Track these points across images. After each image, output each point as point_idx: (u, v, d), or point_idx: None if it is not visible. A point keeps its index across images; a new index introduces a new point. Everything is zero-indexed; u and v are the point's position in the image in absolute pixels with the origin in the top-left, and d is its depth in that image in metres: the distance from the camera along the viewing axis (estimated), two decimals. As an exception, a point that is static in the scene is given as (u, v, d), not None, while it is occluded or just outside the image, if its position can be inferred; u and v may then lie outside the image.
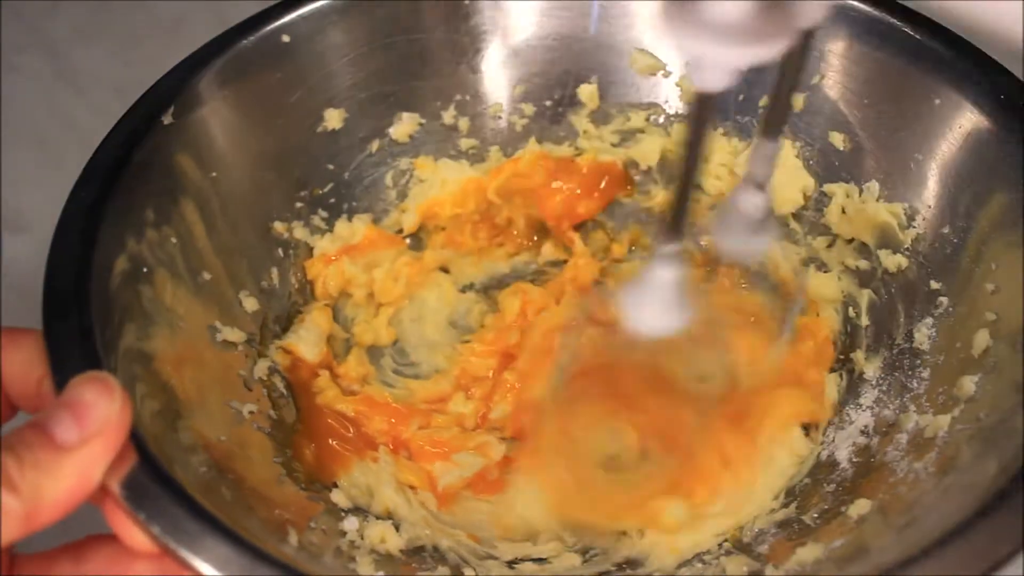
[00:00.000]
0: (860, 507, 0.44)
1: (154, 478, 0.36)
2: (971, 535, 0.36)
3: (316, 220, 0.59)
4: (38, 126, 0.73)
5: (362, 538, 0.47)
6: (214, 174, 0.52)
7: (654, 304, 0.36)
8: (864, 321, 0.54)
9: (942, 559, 0.35)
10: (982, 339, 0.45)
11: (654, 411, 0.51)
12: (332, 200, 0.60)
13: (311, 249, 0.59)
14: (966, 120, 0.49)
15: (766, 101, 0.43)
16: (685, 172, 0.31)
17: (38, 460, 0.34)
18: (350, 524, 0.47)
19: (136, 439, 0.37)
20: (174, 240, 0.49)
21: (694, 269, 0.60)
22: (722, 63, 0.28)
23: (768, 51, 0.28)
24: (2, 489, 0.33)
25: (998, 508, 0.36)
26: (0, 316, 0.55)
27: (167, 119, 0.49)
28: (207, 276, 0.51)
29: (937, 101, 0.50)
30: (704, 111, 0.30)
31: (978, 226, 0.48)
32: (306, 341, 0.55)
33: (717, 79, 0.29)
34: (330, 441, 0.52)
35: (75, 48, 0.78)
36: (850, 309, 0.55)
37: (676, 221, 0.33)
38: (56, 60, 0.76)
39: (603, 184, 0.63)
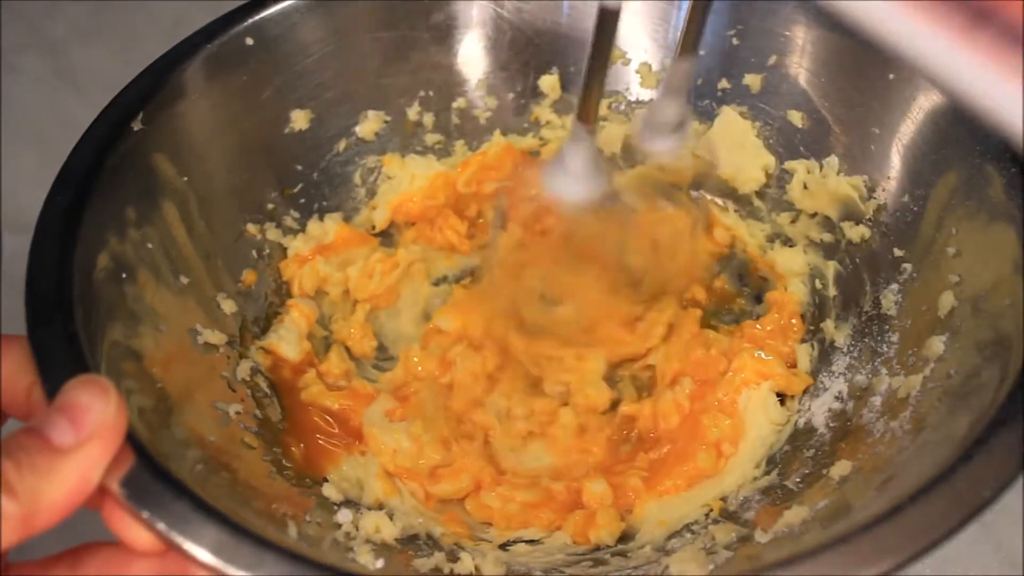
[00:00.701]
0: (841, 468, 0.45)
1: (154, 475, 0.36)
2: (951, 483, 0.37)
3: (288, 221, 0.59)
4: (38, 126, 0.73)
5: (357, 529, 0.47)
6: (185, 178, 0.52)
7: (570, 174, 0.43)
8: (831, 292, 0.56)
9: (925, 507, 0.37)
10: (947, 300, 0.47)
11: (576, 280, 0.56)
12: (303, 200, 0.60)
13: (285, 250, 0.59)
14: (920, 93, 0.51)
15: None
16: (590, 70, 0.39)
17: (35, 464, 0.34)
18: (344, 516, 0.48)
19: (131, 437, 0.37)
20: (149, 245, 0.49)
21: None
22: None
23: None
24: None
25: (973, 457, 0.38)
26: (0, 316, 0.54)
27: (137, 124, 0.49)
28: (184, 280, 0.51)
29: (892, 76, 0.52)
30: (607, 23, 0.37)
31: (937, 194, 0.50)
32: (287, 340, 0.56)
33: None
34: (317, 438, 0.52)
35: (75, 48, 0.78)
36: (817, 281, 0.57)
37: (583, 109, 0.41)
38: (56, 60, 0.76)
39: None
